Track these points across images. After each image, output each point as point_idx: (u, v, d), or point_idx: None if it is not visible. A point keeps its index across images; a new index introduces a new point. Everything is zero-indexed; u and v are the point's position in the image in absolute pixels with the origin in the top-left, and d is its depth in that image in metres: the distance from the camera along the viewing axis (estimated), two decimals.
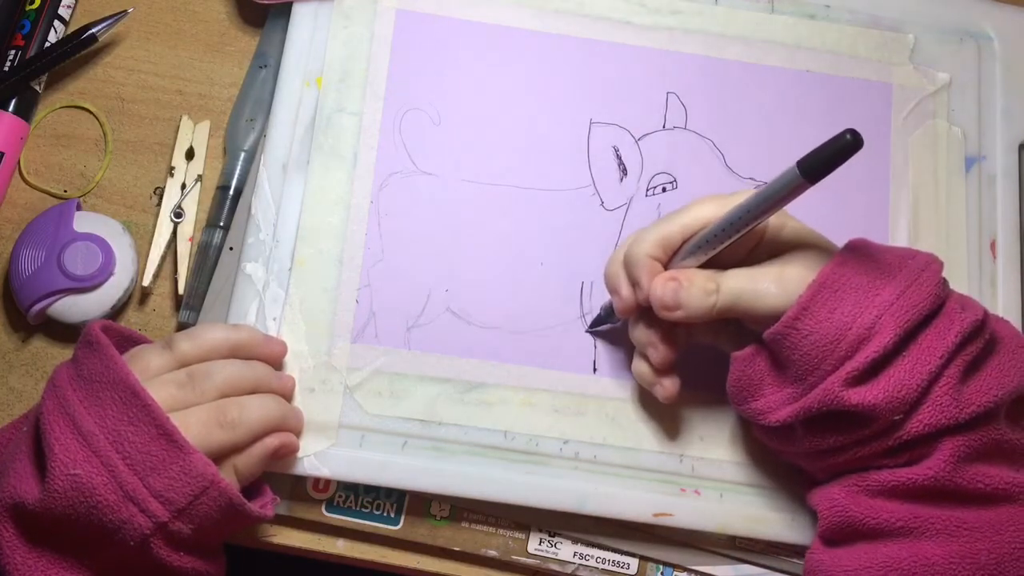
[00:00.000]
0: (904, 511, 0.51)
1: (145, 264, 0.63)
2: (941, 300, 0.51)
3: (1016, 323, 0.62)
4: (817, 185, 0.63)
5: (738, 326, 0.55)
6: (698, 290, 0.52)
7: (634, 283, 0.55)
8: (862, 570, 0.51)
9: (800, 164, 0.47)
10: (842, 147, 0.46)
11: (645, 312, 0.55)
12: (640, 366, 0.57)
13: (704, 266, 0.54)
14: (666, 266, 0.55)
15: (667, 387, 0.56)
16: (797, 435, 0.53)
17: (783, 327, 0.51)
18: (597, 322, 0.60)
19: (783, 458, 0.57)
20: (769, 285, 0.52)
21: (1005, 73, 0.67)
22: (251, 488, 0.55)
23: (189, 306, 0.62)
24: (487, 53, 0.64)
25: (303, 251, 0.60)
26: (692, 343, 0.57)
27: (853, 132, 0.45)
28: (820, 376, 0.51)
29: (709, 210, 0.53)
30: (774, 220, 0.53)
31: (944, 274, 0.62)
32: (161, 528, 0.49)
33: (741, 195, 0.52)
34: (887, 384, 0.49)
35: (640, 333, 0.56)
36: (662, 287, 0.53)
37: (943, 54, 0.66)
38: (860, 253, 0.52)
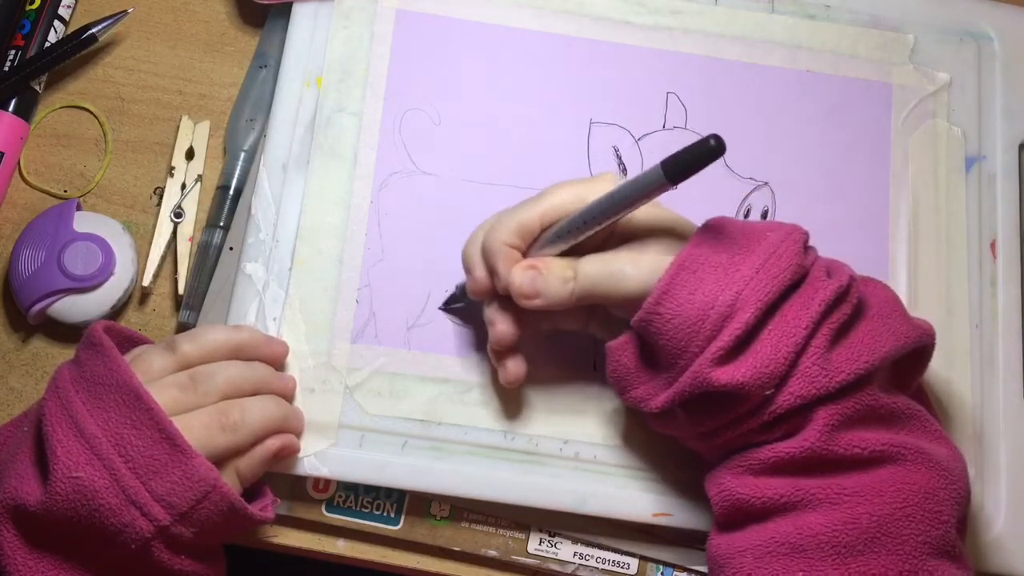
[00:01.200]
0: (786, 485, 0.50)
1: (145, 264, 0.63)
2: (804, 269, 0.50)
3: (1016, 323, 0.62)
4: (816, 184, 0.64)
5: (607, 314, 0.55)
6: (555, 278, 0.52)
7: (491, 270, 0.54)
8: (752, 549, 0.50)
9: (664, 165, 0.48)
10: (706, 152, 0.46)
11: (498, 296, 0.55)
12: (491, 347, 0.57)
13: (564, 254, 0.54)
14: (525, 253, 0.55)
15: (509, 369, 0.56)
16: (679, 420, 0.53)
17: (646, 313, 0.51)
18: (451, 300, 0.60)
19: (683, 444, 0.56)
20: (625, 268, 0.52)
21: (1005, 73, 0.67)
22: (251, 489, 0.55)
23: (189, 306, 0.62)
24: (487, 53, 0.64)
25: (303, 251, 0.61)
26: (562, 331, 0.57)
27: (716, 138, 0.46)
28: (689, 359, 0.50)
29: (567, 197, 0.53)
30: None
31: (944, 274, 0.62)
32: (162, 532, 0.49)
33: (598, 182, 0.52)
34: (754, 360, 0.49)
35: (489, 311, 0.56)
36: (520, 275, 0.53)
37: (943, 54, 0.66)
38: (718, 231, 0.52)
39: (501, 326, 0.55)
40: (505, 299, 0.55)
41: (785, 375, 0.49)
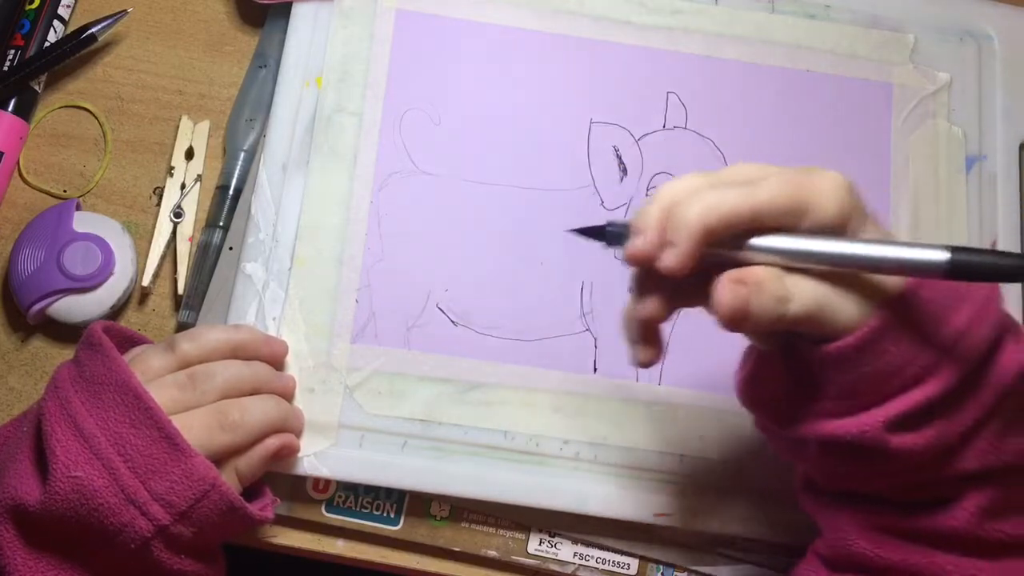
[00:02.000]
0: (919, 556, 0.48)
1: (145, 264, 0.63)
2: (998, 339, 0.45)
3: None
4: None
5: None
6: (769, 297, 0.43)
7: (668, 240, 0.44)
8: None
9: (956, 257, 0.42)
10: (1010, 269, 0.41)
11: (652, 268, 0.45)
12: (632, 320, 0.47)
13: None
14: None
15: (648, 353, 0.47)
16: (810, 449, 0.48)
17: (844, 349, 0.44)
18: (592, 233, 0.49)
19: (785, 458, 0.53)
20: (846, 304, 0.44)
21: (1005, 72, 0.67)
22: (251, 489, 0.55)
23: (189, 306, 0.61)
24: (487, 53, 0.64)
25: (303, 251, 0.60)
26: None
27: (1022, 258, 0.41)
28: (861, 405, 0.45)
29: (783, 197, 0.44)
30: (855, 221, 0.45)
31: None
32: (162, 531, 0.49)
33: (819, 178, 0.44)
34: (933, 431, 0.45)
35: (642, 286, 0.47)
36: (730, 293, 0.43)
37: (943, 54, 0.66)
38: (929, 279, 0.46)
39: (652, 305, 0.46)
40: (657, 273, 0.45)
41: (956, 448, 0.45)
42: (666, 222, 0.44)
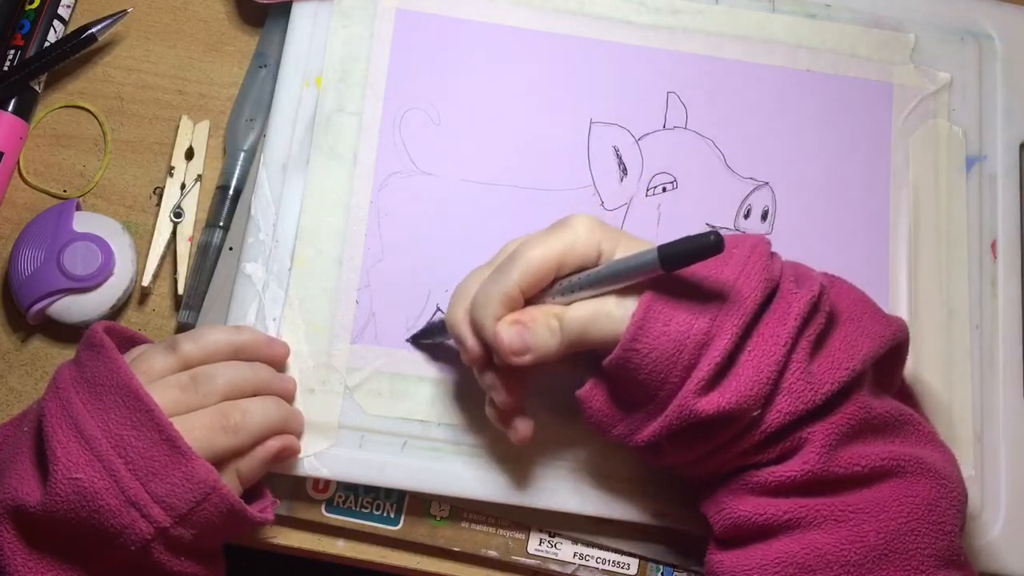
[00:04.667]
0: (788, 504, 0.50)
1: (145, 264, 0.63)
2: (773, 282, 0.50)
3: (1016, 323, 0.62)
4: (816, 184, 0.64)
5: (594, 356, 0.53)
6: (543, 328, 0.51)
7: (486, 345, 0.52)
8: (759, 568, 0.50)
9: (661, 253, 0.48)
10: (704, 247, 0.47)
11: (488, 357, 0.53)
12: (491, 410, 0.55)
13: None
14: None
15: (519, 430, 0.54)
16: (666, 450, 0.52)
17: (622, 351, 0.50)
18: (422, 336, 0.59)
19: (668, 472, 0.56)
20: (612, 310, 0.50)
21: (1006, 72, 0.66)
22: (251, 490, 0.55)
23: (189, 306, 0.62)
24: (487, 53, 0.64)
25: (303, 251, 0.60)
26: (551, 374, 0.56)
27: (717, 235, 0.46)
28: (669, 390, 0.50)
29: (539, 259, 0.51)
30: (606, 247, 0.51)
31: (944, 274, 0.62)
32: (162, 533, 0.49)
33: (563, 230, 0.51)
34: (737, 385, 0.48)
35: (487, 378, 0.54)
36: (508, 332, 0.51)
37: (944, 53, 0.66)
38: None
39: (503, 392, 0.53)
40: (494, 360, 0.53)
41: (770, 394, 0.49)
42: (473, 325, 0.52)
